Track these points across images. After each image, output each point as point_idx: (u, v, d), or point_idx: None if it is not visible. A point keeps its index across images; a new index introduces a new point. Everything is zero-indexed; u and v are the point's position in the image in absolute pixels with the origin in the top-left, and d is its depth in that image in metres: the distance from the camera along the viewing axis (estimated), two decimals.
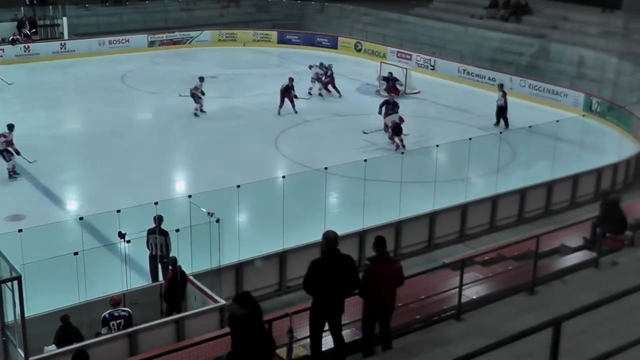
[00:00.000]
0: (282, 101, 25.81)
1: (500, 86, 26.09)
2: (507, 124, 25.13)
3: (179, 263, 12.41)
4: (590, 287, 9.21)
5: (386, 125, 22.76)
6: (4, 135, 19.85)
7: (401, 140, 22.15)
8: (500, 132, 21.47)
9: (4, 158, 19.76)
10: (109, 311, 11.48)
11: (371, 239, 9.43)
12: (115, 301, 11.62)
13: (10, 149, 19.81)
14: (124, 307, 11.76)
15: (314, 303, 8.72)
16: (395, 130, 22.18)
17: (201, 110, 25.82)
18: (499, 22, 36.12)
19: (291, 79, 26.27)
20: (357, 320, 9.57)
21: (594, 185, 19.27)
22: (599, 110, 26.83)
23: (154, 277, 13.72)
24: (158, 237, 13.53)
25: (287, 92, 25.88)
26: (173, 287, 12.34)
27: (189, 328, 11.61)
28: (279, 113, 25.82)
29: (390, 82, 28.79)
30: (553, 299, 9.72)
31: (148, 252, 13.67)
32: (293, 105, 25.90)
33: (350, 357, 9.20)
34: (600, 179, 19.37)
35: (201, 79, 26.39)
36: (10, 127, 20.28)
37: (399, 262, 9.41)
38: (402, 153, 20.47)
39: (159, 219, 13.49)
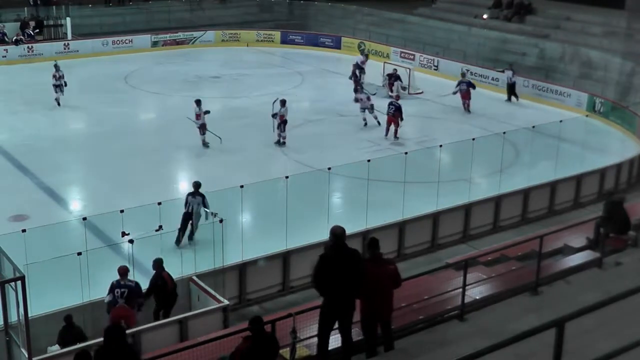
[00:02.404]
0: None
1: (511, 65, 29.32)
2: (517, 97, 28.88)
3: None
4: (594, 287, 9.22)
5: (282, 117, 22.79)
6: (198, 115, 22.24)
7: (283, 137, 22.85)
8: (515, 134, 21.68)
9: (200, 132, 22.30)
10: (117, 279, 11.86)
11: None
12: (120, 271, 11.91)
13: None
14: (130, 279, 11.97)
15: (326, 300, 8.67)
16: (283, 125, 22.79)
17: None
18: (502, 22, 36.10)
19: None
20: (359, 321, 9.58)
21: (597, 185, 19.26)
22: (602, 111, 26.80)
23: (182, 233, 15.40)
24: (195, 197, 15.49)
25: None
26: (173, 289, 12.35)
27: (192, 328, 11.63)
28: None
29: (392, 79, 28.90)
30: (556, 299, 9.74)
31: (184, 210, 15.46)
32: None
33: (354, 357, 9.20)
34: (603, 179, 19.36)
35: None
36: (198, 102, 22.31)
37: (394, 263, 9.38)
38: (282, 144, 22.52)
39: (197, 185, 15.74)
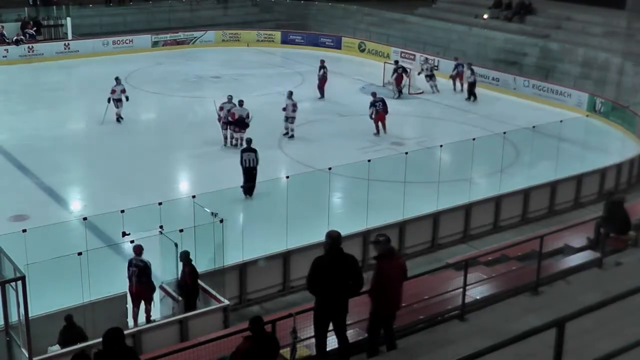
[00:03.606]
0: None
1: (469, 64, 29.39)
2: (475, 97, 28.98)
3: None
4: (594, 287, 9.22)
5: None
6: (221, 108, 22.40)
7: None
8: (515, 134, 21.53)
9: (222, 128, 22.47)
10: (133, 257, 12.48)
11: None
12: (135, 250, 12.47)
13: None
14: (142, 259, 12.41)
15: (318, 303, 8.74)
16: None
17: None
18: (503, 22, 36.11)
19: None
20: (360, 321, 9.58)
21: (597, 185, 19.26)
22: (603, 111, 26.81)
23: (247, 188, 17.95)
24: (250, 153, 18.31)
25: None
26: (194, 281, 12.35)
27: (192, 328, 11.63)
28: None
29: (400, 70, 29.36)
30: (556, 299, 9.73)
31: (242, 167, 18.33)
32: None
33: (354, 357, 9.20)
34: (604, 179, 19.35)
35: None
36: (230, 98, 22.58)
37: (401, 256, 9.48)
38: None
39: (250, 141, 18.84)
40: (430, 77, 30.09)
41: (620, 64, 28.38)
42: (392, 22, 39.42)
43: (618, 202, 13.59)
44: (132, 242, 12.44)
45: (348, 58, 36.74)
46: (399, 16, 39.95)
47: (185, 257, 12.35)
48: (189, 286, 12.33)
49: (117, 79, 25.00)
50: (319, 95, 28.55)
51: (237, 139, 22.13)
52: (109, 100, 24.41)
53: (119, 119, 24.73)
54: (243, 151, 18.72)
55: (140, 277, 12.40)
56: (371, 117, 23.85)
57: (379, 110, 23.79)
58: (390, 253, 9.01)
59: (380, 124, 23.84)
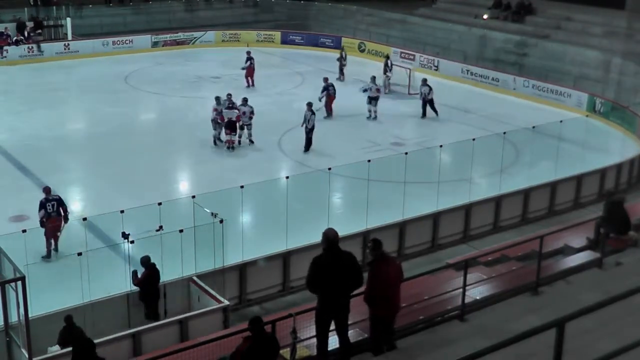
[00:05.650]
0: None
1: (425, 80, 26.84)
2: (437, 112, 26.47)
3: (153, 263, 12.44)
4: (594, 287, 9.23)
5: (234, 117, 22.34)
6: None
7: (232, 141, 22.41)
8: (515, 134, 21.33)
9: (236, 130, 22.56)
10: (44, 197, 14.70)
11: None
12: (45, 190, 14.99)
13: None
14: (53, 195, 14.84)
15: (319, 302, 8.72)
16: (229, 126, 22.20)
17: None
18: (503, 22, 36.12)
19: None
20: (361, 321, 9.58)
21: (597, 185, 19.27)
22: (603, 111, 26.81)
23: (309, 144, 21.96)
24: (313, 116, 21.82)
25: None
26: (147, 286, 12.29)
27: (192, 328, 11.63)
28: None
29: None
30: (557, 300, 9.74)
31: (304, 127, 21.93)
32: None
33: (355, 357, 9.20)
34: (604, 179, 19.36)
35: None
36: (223, 95, 23.05)
37: (396, 259, 9.51)
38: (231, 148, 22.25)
39: (310, 104, 22.08)
40: (375, 99, 26.09)
41: (620, 64, 28.38)
42: (392, 22, 39.41)
43: (618, 202, 13.59)
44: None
45: (348, 58, 36.61)
46: (399, 16, 39.95)
47: (143, 262, 12.32)
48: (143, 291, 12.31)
49: (217, 98, 22.76)
50: (245, 84, 29.95)
51: (228, 141, 22.25)
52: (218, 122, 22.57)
53: (215, 141, 22.60)
54: (306, 113, 21.78)
55: (59, 208, 14.65)
56: (320, 100, 25.37)
57: (331, 93, 25.58)
58: (383, 257, 8.99)
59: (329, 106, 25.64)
